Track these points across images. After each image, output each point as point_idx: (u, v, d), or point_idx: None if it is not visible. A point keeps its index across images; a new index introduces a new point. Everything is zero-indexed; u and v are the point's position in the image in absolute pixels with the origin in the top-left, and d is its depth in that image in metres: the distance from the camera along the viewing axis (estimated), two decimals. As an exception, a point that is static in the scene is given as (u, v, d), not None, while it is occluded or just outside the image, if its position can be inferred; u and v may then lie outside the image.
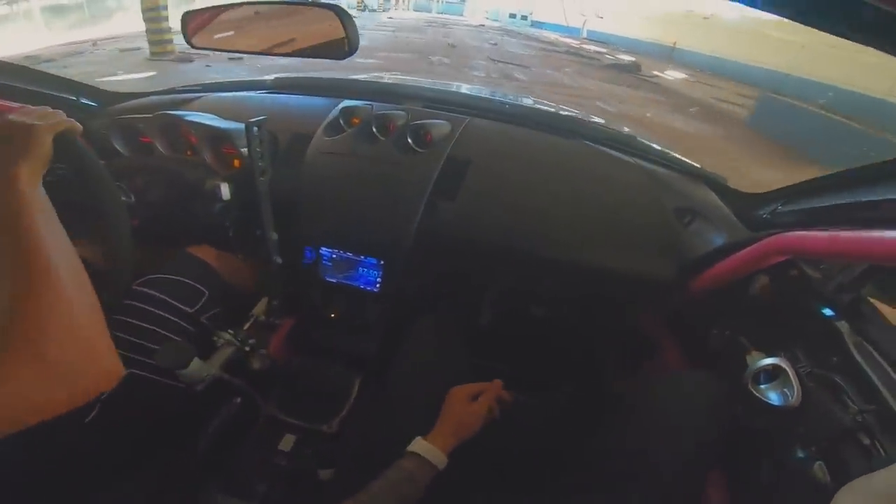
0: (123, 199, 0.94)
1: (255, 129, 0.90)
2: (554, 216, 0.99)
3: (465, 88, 1.70)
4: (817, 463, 0.66)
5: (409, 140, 1.04)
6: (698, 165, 1.22)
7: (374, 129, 1.06)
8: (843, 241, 0.68)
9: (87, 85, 1.19)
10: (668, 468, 0.67)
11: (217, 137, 1.00)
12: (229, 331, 0.90)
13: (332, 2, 0.73)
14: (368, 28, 14.63)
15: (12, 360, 0.40)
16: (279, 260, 0.99)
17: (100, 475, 0.71)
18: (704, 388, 0.76)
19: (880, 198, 0.73)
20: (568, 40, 18.21)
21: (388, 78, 1.57)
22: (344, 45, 0.72)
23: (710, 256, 0.92)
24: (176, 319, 0.88)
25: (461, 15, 32.98)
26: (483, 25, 24.03)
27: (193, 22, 0.79)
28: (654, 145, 1.27)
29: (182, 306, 0.90)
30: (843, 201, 0.80)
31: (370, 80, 1.49)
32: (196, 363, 0.76)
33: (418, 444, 0.65)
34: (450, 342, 0.93)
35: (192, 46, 0.79)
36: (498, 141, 1.11)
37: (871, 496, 0.34)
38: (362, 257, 1.01)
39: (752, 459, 0.78)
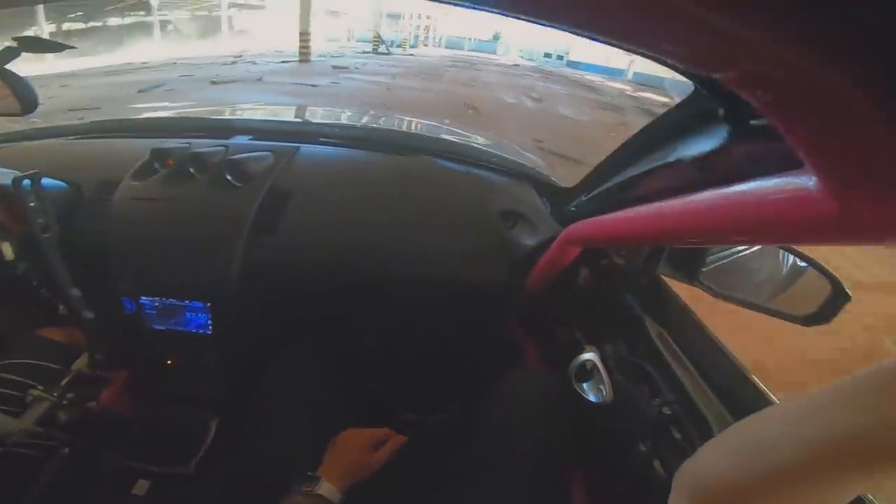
0: None
1: (25, 182, 0.86)
2: (384, 234, 0.99)
3: (298, 115, 1.69)
4: (641, 457, 0.69)
5: (228, 176, 1.01)
6: (528, 164, 1.26)
7: (190, 169, 1.03)
8: (613, 224, 0.70)
9: None
10: (506, 468, 0.69)
11: (4, 196, 0.94)
12: (39, 387, 0.88)
13: None
14: (360, 72, 11.45)
15: None
16: (90, 315, 0.97)
17: None
18: (535, 388, 0.78)
19: (640, 171, 0.69)
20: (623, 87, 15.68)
21: (215, 112, 1.53)
22: (16, 105, 0.71)
23: (531, 257, 0.96)
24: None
25: (493, 53, 30.64)
26: (517, 65, 21.79)
27: None
28: (491, 150, 1.30)
29: (36, 384, 0.89)
30: (620, 180, 0.78)
31: (195, 117, 1.45)
32: (1, 419, 0.76)
33: (324, 486, 0.63)
34: (306, 373, 0.93)
35: None
36: (326, 167, 1.12)
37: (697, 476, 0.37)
38: (187, 302, 1.00)
39: (601, 457, 0.81)
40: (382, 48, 18.97)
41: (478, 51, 31.36)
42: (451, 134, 1.60)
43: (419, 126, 1.69)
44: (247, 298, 1.00)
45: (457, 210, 1.04)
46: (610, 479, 0.81)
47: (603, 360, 0.81)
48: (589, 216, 0.82)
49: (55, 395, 0.89)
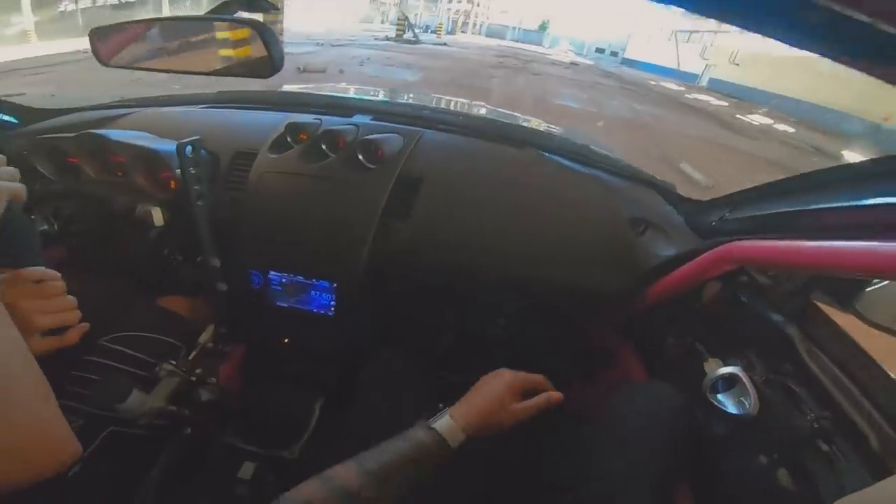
0: (45, 227, 0.87)
1: (189, 149, 0.85)
2: (507, 232, 0.97)
3: (416, 99, 1.66)
4: (780, 470, 0.66)
5: (360, 156, 0.99)
6: (649, 173, 1.23)
7: (322, 146, 1.01)
8: (788, 252, 0.69)
9: (4, 101, 1.09)
10: (624, 479, 0.66)
11: (149, 159, 0.93)
12: (171, 361, 0.85)
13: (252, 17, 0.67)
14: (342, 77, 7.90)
15: None
16: (223, 286, 0.94)
17: None
18: (660, 399, 0.75)
19: (823, 207, 0.74)
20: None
21: (334, 90, 1.52)
22: (267, 64, 0.67)
23: (664, 266, 0.92)
24: (146, 375, 0.85)
25: (540, 45, 27.08)
26: (575, 64, 18.83)
27: (104, 39, 0.72)
28: (609, 154, 1.27)
29: (155, 360, 0.87)
30: (789, 209, 0.80)
31: (317, 93, 1.44)
32: (136, 396, 0.73)
33: (446, 426, 0.58)
34: (412, 362, 0.90)
35: (105, 65, 0.72)
36: (451, 155, 1.09)
37: None
38: (314, 280, 0.97)
39: (716, 469, 0.78)
40: (410, 34, 15.48)
41: (522, 41, 27.48)
42: (562, 133, 1.54)
43: (534, 123, 1.63)
44: (372, 283, 0.98)
45: (583, 212, 1.00)
46: (722, 490, 0.78)
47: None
48: (739, 235, 0.80)
49: (185, 370, 0.86)
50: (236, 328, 0.99)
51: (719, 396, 0.75)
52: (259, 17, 0.71)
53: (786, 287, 0.77)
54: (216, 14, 0.72)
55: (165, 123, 1.08)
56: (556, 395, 0.67)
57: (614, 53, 24.89)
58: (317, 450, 0.94)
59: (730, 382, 0.76)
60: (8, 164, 0.72)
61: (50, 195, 0.93)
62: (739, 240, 0.79)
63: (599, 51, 25.73)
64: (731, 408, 0.74)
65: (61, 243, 0.94)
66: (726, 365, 0.77)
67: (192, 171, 0.84)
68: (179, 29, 0.75)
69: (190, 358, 0.92)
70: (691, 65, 19.87)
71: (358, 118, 1.15)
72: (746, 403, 0.72)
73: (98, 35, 0.71)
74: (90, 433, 0.75)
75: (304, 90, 1.45)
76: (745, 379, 0.73)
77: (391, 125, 1.11)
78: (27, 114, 1.13)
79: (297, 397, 1.01)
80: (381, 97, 1.45)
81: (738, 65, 15.76)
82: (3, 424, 0.40)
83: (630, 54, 23.98)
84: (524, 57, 16.69)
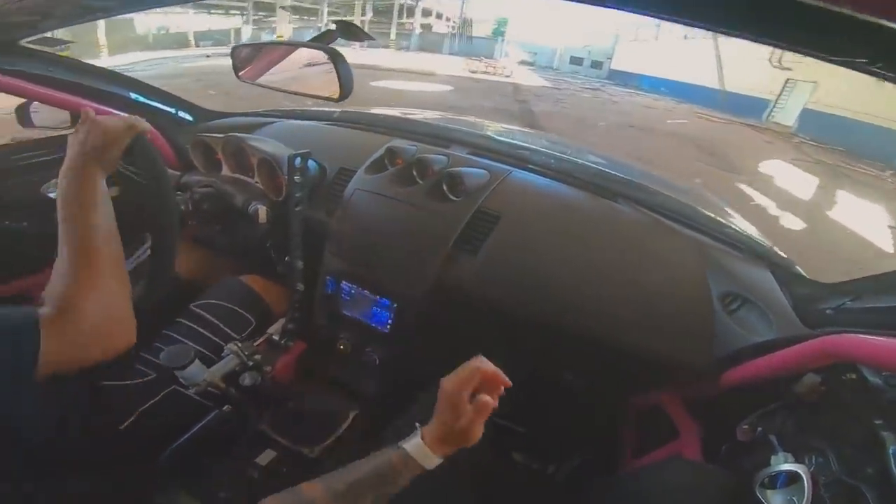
0: (182, 207, 1.06)
1: (298, 160, 0.96)
2: (581, 287, 0.92)
3: (516, 137, 1.66)
4: None
5: (444, 187, 1.03)
6: (767, 245, 1.10)
7: (413, 172, 1.08)
8: None
9: (185, 101, 1.37)
10: None
11: (269, 164, 1.08)
12: (237, 343, 0.94)
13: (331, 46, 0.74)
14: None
15: (61, 321, 0.51)
16: (301, 287, 1.04)
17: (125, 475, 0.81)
18: (706, 482, 0.72)
19: None
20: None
21: (439, 119, 1.59)
22: (337, 91, 0.75)
23: (751, 350, 0.83)
24: (221, 343, 0.95)
25: (491, 56, 19.61)
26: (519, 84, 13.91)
27: (240, 56, 0.86)
28: (720, 218, 1.14)
29: (231, 333, 0.98)
30: None
31: (423, 121, 1.52)
32: (196, 367, 0.81)
33: (415, 445, 0.56)
34: None
35: (240, 79, 0.86)
36: (535, 197, 1.07)
37: None
38: (378, 297, 1.02)
39: None
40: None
41: (466, 54, 19.78)
42: (666, 187, 1.41)
43: (632, 171, 1.53)
44: (429, 309, 1.00)
45: (670, 276, 0.93)
46: None
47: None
48: (856, 327, 0.72)
49: (246, 353, 0.94)
50: (302, 326, 1.08)
51: (769, 493, 0.70)
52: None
53: None
54: (314, 42, 0.81)
55: (296, 135, 1.25)
56: (490, 369, 0.60)
57: (596, 64, 17.33)
58: (336, 455, 0.96)
59: (790, 480, 0.70)
60: (178, 155, 0.89)
61: (194, 182, 1.13)
62: (849, 332, 0.70)
63: (576, 61, 17.94)
64: None
65: (188, 221, 1.12)
66: (797, 462, 0.70)
67: (297, 180, 0.95)
68: (288, 52, 0.85)
69: (256, 344, 1.01)
70: (736, 80, 12.24)
71: (454, 149, 1.19)
72: (796, 503, 0.66)
73: (237, 52, 0.85)
74: (158, 387, 0.86)
75: (411, 118, 1.55)
76: (805, 479, 0.67)
77: (483, 160, 1.13)
78: (201, 112, 1.40)
79: (336, 402, 1.05)
80: (480, 132, 1.48)
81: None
82: (100, 307, 0.54)
83: (619, 64, 16.34)
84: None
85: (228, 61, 0.89)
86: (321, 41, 0.76)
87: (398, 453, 0.56)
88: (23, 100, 1.07)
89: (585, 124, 8.81)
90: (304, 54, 0.79)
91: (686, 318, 0.88)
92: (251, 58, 0.85)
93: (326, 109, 1.47)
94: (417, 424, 0.58)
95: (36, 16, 0.75)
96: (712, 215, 1.15)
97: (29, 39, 0.92)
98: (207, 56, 12.74)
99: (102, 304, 0.55)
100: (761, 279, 0.97)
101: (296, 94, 0.82)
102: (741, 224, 1.29)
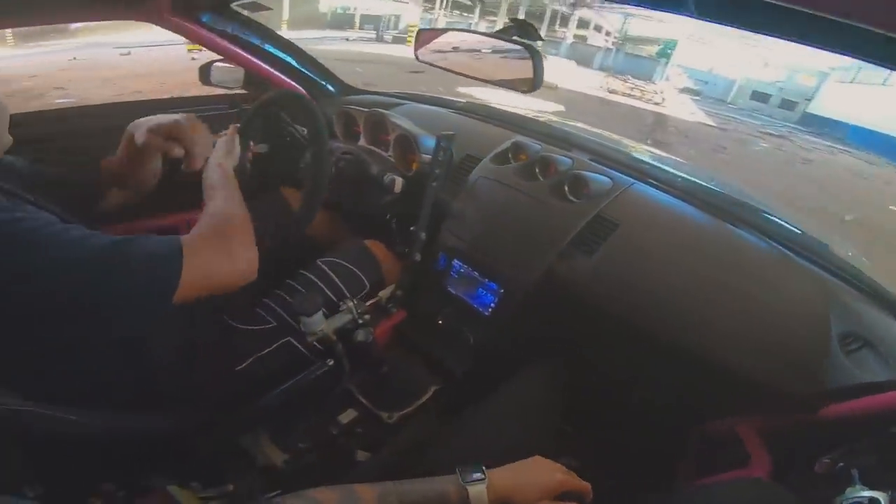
0: None
1: (445, 142, 1.03)
2: (693, 303, 0.91)
3: (636, 152, 1.63)
4: None
5: (566, 187, 1.06)
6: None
7: (536, 169, 1.12)
8: None
9: (332, 74, 1.51)
10: None
11: (406, 140, 1.17)
12: (354, 300, 1.00)
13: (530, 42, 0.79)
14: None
15: (209, 244, 0.65)
16: (418, 257, 1.11)
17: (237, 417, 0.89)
18: (769, 500, 0.69)
19: None
20: None
21: (561, 124, 1.61)
22: (530, 82, 0.80)
23: (862, 388, 0.80)
24: (337, 301, 1.02)
25: (650, 79, 16.69)
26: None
27: (422, 38, 0.94)
28: (853, 263, 1.06)
29: (346, 292, 1.05)
30: None
31: (545, 122, 1.56)
32: (318, 317, 0.87)
33: (478, 493, 0.57)
34: (552, 397, 0.95)
35: (417, 59, 0.95)
36: (656, 211, 1.06)
37: None
38: (486, 280, 1.07)
39: None
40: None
41: (620, 71, 16.89)
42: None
43: (760, 202, 1.44)
44: (535, 300, 1.02)
45: (787, 307, 0.90)
46: None
47: None
48: None
49: (359, 311, 0.99)
50: (409, 295, 1.15)
51: None
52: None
53: None
54: (501, 34, 0.86)
55: (425, 118, 1.34)
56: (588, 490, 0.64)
57: (788, 104, 12.54)
58: (410, 424, 1.01)
59: None
60: (319, 122, 1.01)
61: (336, 148, 1.25)
62: None
63: (759, 97, 13.80)
64: None
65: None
66: (870, 490, 0.66)
67: (440, 158, 1.02)
68: (471, 41, 0.92)
69: (368, 304, 1.08)
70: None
71: (576, 153, 1.21)
72: None
73: (420, 34, 0.93)
74: (273, 337, 0.92)
75: (535, 118, 1.58)
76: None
77: (606, 168, 1.14)
78: (343, 87, 1.53)
79: (422, 374, 1.10)
80: (600, 140, 1.48)
81: None
82: (241, 238, 0.69)
83: (821, 108, 11.43)
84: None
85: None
86: (501, 35, 0.81)
87: (457, 490, 0.56)
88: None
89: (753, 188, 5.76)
90: (488, 44, 0.85)
91: (799, 348, 0.85)
92: (432, 40, 0.92)
93: (453, 99, 1.55)
94: (484, 468, 0.59)
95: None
96: (843, 258, 1.07)
97: (239, 2, 1.07)
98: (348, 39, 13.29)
99: (242, 238, 0.70)
100: (886, 326, 0.92)
101: (484, 80, 0.88)
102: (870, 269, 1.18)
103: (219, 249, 0.65)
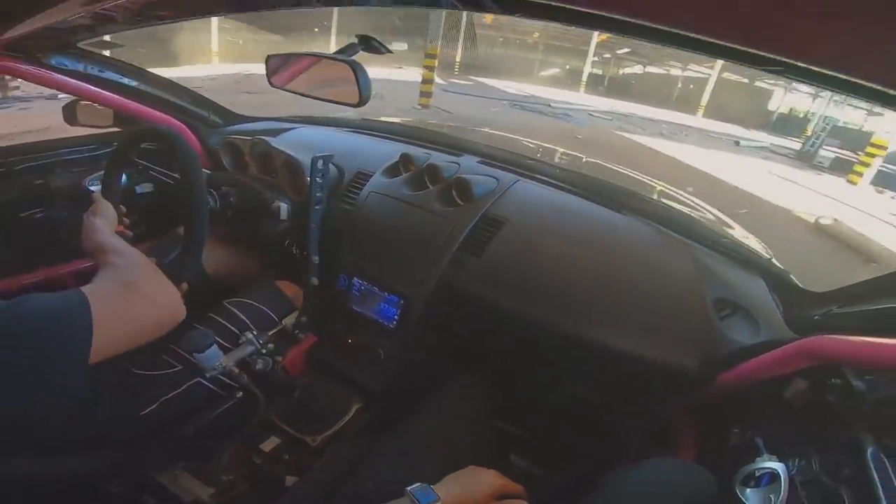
0: (210, 204, 1.13)
1: (320, 162, 1.04)
2: (580, 291, 0.96)
3: (523, 148, 1.74)
4: None
5: (453, 192, 1.10)
6: (766, 256, 1.14)
7: (425, 177, 1.15)
8: (884, 350, 0.63)
9: (217, 104, 1.47)
10: None
11: (292, 166, 1.16)
12: (253, 332, 0.99)
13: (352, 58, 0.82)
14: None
15: (116, 292, 0.61)
16: (316, 281, 1.10)
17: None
18: (686, 479, 0.74)
19: None
20: None
21: (451, 129, 1.68)
22: (355, 96, 0.83)
23: (739, 354, 0.87)
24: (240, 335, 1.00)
25: None
26: None
27: (272, 64, 0.94)
28: (716, 230, 1.19)
29: (252, 327, 1.02)
30: None
31: (436, 131, 1.61)
32: (213, 351, 0.85)
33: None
34: (482, 404, 0.97)
35: (271, 85, 0.95)
36: (539, 204, 1.13)
37: None
38: (386, 294, 1.07)
39: None
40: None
41: None
42: (677, 202, 1.46)
43: (642, 185, 1.58)
44: (433, 307, 1.05)
45: (666, 284, 0.96)
46: None
47: (789, 473, 0.73)
48: (841, 331, 0.74)
49: (261, 342, 0.99)
50: (314, 320, 1.13)
51: (747, 491, 0.73)
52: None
53: (881, 394, 0.70)
54: (336, 53, 0.88)
55: (316, 140, 1.34)
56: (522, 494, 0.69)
57: None
58: (337, 445, 0.99)
59: (772, 479, 0.73)
60: (207, 155, 0.97)
61: (221, 180, 1.21)
62: (830, 334, 0.73)
63: None
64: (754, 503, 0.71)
65: (215, 218, 1.19)
66: (770, 461, 0.73)
67: (319, 181, 1.02)
68: (313, 62, 0.93)
69: (270, 333, 1.06)
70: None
71: (465, 158, 1.26)
72: (773, 501, 0.69)
73: (270, 60, 0.94)
74: (180, 379, 0.91)
75: (425, 127, 1.63)
76: (783, 477, 0.70)
77: (492, 169, 1.20)
78: (229, 116, 1.49)
79: (340, 395, 1.09)
80: (488, 142, 1.56)
81: None
82: (161, 300, 0.66)
83: None
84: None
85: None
86: (344, 53, 0.84)
87: None
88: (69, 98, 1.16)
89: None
90: (328, 65, 0.86)
91: (681, 324, 0.91)
92: (282, 65, 0.93)
93: (348, 117, 1.56)
94: (433, 489, 0.61)
95: (97, 20, 0.84)
96: (709, 227, 1.19)
97: (86, 42, 1.01)
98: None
99: (159, 290, 0.67)
100: (754, 287, 1.01)
101: (320, 99, 0.89)
102: (740, 235, 1.34)
103: (129, 296, 0.61)
